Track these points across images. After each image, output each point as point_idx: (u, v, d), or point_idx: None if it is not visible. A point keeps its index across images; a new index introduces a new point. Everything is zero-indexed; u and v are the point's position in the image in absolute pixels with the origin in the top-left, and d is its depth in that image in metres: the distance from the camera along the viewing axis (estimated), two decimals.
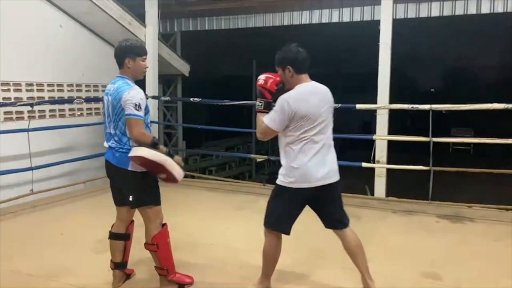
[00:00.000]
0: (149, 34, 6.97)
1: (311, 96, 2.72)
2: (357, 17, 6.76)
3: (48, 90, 6.05)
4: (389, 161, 5.80)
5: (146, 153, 2.77)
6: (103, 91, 6.87)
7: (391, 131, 5.88)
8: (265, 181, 6.59)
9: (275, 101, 2.75)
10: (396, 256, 3.79)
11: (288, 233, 2.85)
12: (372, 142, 5.69)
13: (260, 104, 2.77)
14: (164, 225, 3.07)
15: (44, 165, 5.53)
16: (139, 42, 3.06)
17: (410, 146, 6.93)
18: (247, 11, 7.58)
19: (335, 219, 2.88)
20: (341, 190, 2.92)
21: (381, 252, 3.82)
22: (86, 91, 6.61)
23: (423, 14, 6.42)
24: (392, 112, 5.83)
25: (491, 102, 4.87)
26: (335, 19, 6.94)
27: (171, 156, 2.84)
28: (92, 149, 6.54)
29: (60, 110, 6.21)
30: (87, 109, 6.65)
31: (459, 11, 6.22)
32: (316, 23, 7.16)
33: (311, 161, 2.69)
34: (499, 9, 5.96)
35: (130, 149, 2.86)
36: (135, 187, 2.92)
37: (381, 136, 5.71)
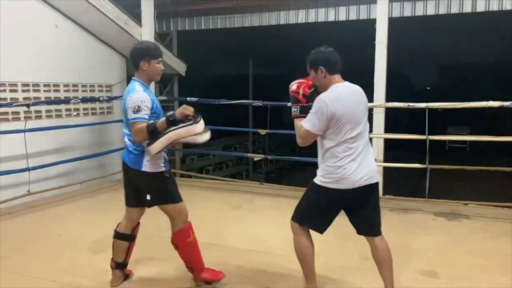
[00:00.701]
0: (145, 33, 6.96)
1: (348, 97, 2.68)
2: (353, 16, 6.76)
3: (44, 91, 6.03)
4: (386, 160, 5.82)
5: (154, 149, 2.75)
6: (99, 91, 6.89)
7: (387, 130, 5.90)
8: (262, 180, 6.58)
9: (310, 105, 2.70)
10: (392, 254, 3.78)
11: (320, 231, 2.81)
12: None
13: (296, 110, 2.73)
14: (188, 223, 3.08)
15: (41, 165, 5.52)
16: (155, 44, 3.05)
17: (407, 144, 6.95)
18: (243, 11, 7.58)
19: (368, 224, 2.81)
20: (378, 194, 2.87)
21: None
22: (83, 91, 6.59)
23: (419, 12, 6.43)
24: (388, 111, 5.85)
25: (487, 100, 4.90)
26: (331, 18, 6.95)
27: (172, 120, 2.69)
28: (89, 149, 6.54)
29: (56, 110, 6.20)
30: (84, 109, 6.64)
31: (455, 9, 6.24)
32: (312, 22, 7.17)
33: (352, 163, 2.64)
34: (494, 7, 5.98)
35: (142, 150, 2.89)
36: (151, 187, 2.95)
37: (378, 135, 5.73)
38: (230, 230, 4.44)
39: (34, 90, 5.88)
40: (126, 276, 3.27)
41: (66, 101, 6.15)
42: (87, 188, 6.14)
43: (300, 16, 7.21)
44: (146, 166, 2.90)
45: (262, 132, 6.28)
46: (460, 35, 9.58)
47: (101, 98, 6.56)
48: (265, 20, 7.50)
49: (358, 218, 2.81)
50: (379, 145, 5.74)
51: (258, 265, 3.58)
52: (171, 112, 2.75)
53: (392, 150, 6.35)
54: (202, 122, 2.76)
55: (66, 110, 6.34)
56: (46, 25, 6.01)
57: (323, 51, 2.75)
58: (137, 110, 2.76)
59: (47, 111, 6.05)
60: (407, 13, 6.46)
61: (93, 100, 6.64)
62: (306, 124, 2.66)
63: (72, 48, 6.41)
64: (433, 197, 5.34)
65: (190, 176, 7.50)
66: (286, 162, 13.92)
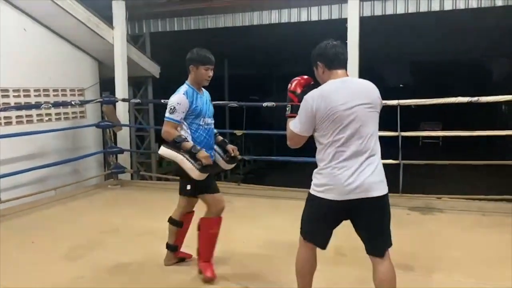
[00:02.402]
0: (117, 36, 6.88)
1: (335, 92, 2.35)
2: (325, 16, 6.84)
3: (14, 96, 5.90)
4: None
5: (160, 151, 3.16)
6: (71, 95, 6.77)
7: None
8: (240, 181, 6.59)
9: None
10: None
11: (321, 246, 2.52)
12: None
13: (288, 109, 2.54)
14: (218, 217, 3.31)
15: (12, 172, 5.38)
16: (206, 52, 3.27)
17: (382, 141, 7.04)
18: (216, 11, 7.57)
19: (369, 243, 2.51)
20: (386, 209, 2.52)
21: (355, 246, 3.85)
22: (54, 95, 6.48)
23: (389, 11, 6.56)
24: None
25: (456, 96, 5.04)
26: (303, 18, 7.01)
27: (192, 153, 3.03)
28: (62, 154, 6.42)
29: (27, 116, 6.07)
30: (56, 114, 6.52)
31: (423, 8, 6.39)
32: (285, 22, 7.21)
33: (341, 170, 2.33)
34: (461, 5, 6.15)
35: None
36: (190, 179, 3.15)
37: None
38: None
39: (3, 96, 5.75)
40: (182, 259, 3.56)
41: (37, 106, 6.03)
42: (61, 194, 6.01)
43: (273, 17, 7.25)
44: None
45: (239, 133, 6.29)
46: (430, 32, 9.81)
47: (73, 103, 6.44)
48: (238, 21, 7.51)
49: (360, 233, 2.50)
50: None
51: (236, 265, 3.59)
52: (199, 148, 3.08)
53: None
54: (203, 175, 3.07)
55: (37, 115, 6.22)
56: (14, 29, 5.87)
57: (321, 45, 2.52)
58: (173, 110, 3.10)
59: (17, 116, 5.91)
60: (378, 12, 6.58)
61: (65, 104, 6.52)
62: (291, 125, 2.46)
63: (42, 52, 6.29)
64: (407, 192, 5.44)
65: (167, 180, 7.43)
66: (263, 162, 13.97)
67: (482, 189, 6.03)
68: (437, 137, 16.18)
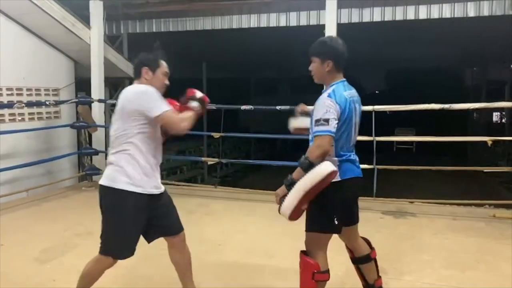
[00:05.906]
0: (94, 36, 6.79)
1: None
2: (303, 22, 6.91)
3: None
4: None
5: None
6: (46, 95, 6.64)
7: None
8: (217, 183, 6.58)
9: None
10: (343, 252, 3.90)
11: None
12: None
13: None
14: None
15: None
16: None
17: (357, 146, 7.15)
18: (195, 14, 7.56)
19: None
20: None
21: (329, 248, 3.93)
22: (28, 95, 6.34)
23: (366, 19, 6.68)
24: None
25: (430, 103, 5.18)
26: (282, 23, 7.07)
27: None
28: (36, 155, 6.29)
29: None
30: (29, 113, 6.38)
31: (399, 16, 6.54)
32: (264, 26, 7.26)
33: None
34: (435, 15, 6.33)
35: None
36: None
37: None
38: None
39: None
40: None
41: (9, 105, 5.89)
42: (33, 196, 5.88)
43: (252, 21, 7.29)
44: None
45: (216, 135, 6.29)
46: (405, 40, 10.03)
47: (47, 103, 6.33)
48: (217, 24, 7.52)
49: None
50: None
51: (212, 268, 3.58)
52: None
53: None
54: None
55: (10, 115, 6.07)
56: None
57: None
58: None
59: None
60: (355, 19, 6.69)
61: (39, 104, 6.40)
62: None
63: (16, 50, 6.16)
64: (380, 196, 5.54)
65: None
66: (241, 165, 13.98)
67: (453, 194, 6.19)
68: (411, 143, 16.48)
